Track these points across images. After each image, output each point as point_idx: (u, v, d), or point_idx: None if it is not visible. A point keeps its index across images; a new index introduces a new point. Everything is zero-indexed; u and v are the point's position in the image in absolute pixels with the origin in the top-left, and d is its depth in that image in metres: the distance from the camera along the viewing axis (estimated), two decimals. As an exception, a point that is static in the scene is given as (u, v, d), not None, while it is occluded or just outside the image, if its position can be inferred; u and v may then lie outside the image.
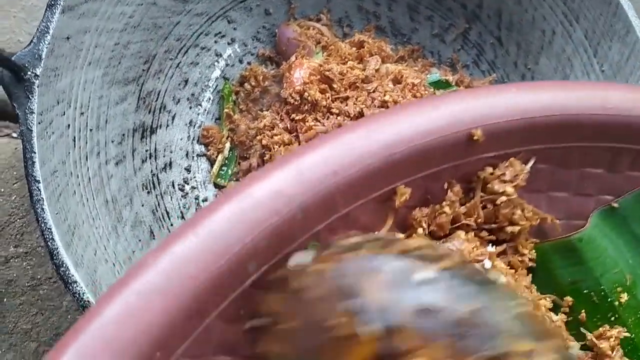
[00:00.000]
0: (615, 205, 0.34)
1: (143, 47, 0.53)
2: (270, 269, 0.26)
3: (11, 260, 0.55)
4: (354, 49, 0.57)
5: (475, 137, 0.29)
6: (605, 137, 0.32)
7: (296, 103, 0.53)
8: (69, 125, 0.45)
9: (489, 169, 0.31)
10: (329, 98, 0.52)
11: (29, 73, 0.41)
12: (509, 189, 0.31)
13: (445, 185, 0.31)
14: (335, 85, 0.53)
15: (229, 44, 0.61)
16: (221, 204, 0.25)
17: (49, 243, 0.40)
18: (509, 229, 0.32)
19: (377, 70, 0.55)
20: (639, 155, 0.33)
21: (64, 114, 0.45)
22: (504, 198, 0.31)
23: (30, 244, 0.56)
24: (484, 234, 0.32)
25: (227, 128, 0.59)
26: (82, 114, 0.47)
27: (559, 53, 0.55)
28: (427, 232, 0.31)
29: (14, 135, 0.62)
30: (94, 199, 0.47)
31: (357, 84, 0.53)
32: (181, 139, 0.58)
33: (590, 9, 0.52)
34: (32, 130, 0.41)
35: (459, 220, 0.32)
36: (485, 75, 0.61)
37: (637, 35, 0.49)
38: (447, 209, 0.31)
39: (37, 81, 0.42)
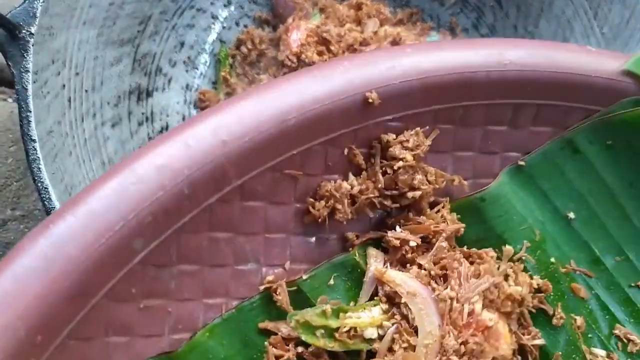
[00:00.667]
0: (522, 163, 0.34)
1: (138, 7, 0.52)
2: (159, 245, 0.26)
3: (8, 223, 0.55)
4: (352, 11, 0.57)
5: (370, 100, 0.29)
6: (504, 94, 0.32)
7: (293, 65, 0.52)
8: (64, 85, 0.45)
9: (392, 135, 0.31)
10: (326, 60, 0.52)
11: (24, 31, 0.41)
12: (409, 156, 0.31)
13: (345, 151, 0.31)
14: (332, 47, 0.52)
15: (225, 6, 0.60)
16: (102, 182, 0.24)
17: (46, 202, 0.40)
18: (410, 194, 0.31)
19: (375, 33, 0.54)
20: (540, 110, 0.33)
21: (59, 74, 0.44)
22: (401, 163, 0.31)
23: (27, 207, 0.56)
24: (388, 201, 0.32)
25: (224, 92, 0.58)
26: (77, 74, 0.46)
27: (558, 15, 0.54)
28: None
29: (10, 100, 0.61)
30: (90, 161, 0.47)
31: (355, 46, 0.53)
32: (177, 103, 0.58)
33: (591, -30, 0.51)
34: (27, 89, 0.41)
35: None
36: (484, 39, 0.60)
37: (637, -3, 0.48)
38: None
39: (32, 39, 0.41)
